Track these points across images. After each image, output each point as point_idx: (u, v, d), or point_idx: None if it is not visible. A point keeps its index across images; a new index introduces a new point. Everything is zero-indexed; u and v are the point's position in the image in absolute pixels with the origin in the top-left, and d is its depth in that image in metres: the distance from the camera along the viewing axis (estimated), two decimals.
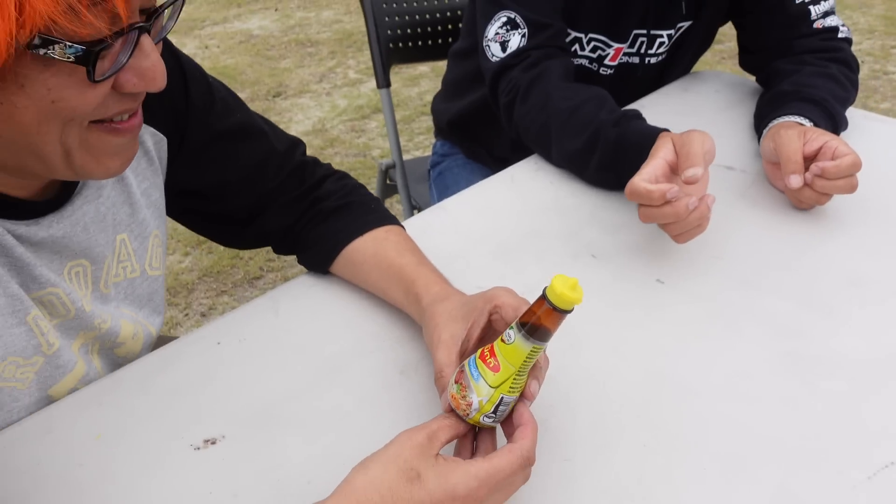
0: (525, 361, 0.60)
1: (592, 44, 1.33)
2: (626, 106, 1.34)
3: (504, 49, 1.21)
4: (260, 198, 0.92)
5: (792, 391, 0.76)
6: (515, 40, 1.20)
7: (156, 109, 0.80)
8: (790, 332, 0.84)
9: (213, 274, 2.39)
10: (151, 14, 0.60)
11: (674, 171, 0.95)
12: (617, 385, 0.77)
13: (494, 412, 0.61)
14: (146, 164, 0.83)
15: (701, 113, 1.33)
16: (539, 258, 0.96)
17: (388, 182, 1.90)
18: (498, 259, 0.96)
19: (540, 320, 0.58)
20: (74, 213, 0.74)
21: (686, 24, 1.35)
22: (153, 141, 0.83)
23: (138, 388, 0.77)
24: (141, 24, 0.58)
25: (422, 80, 3.66)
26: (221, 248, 2.45)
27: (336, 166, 0.99)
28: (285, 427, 0.72)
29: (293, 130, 3.27)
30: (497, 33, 1.22)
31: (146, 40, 0.60)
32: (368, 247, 0.88)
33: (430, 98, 3.46)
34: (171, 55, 0.83)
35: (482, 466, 0.58)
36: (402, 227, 0.93)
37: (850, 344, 0.82)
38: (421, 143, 3.12)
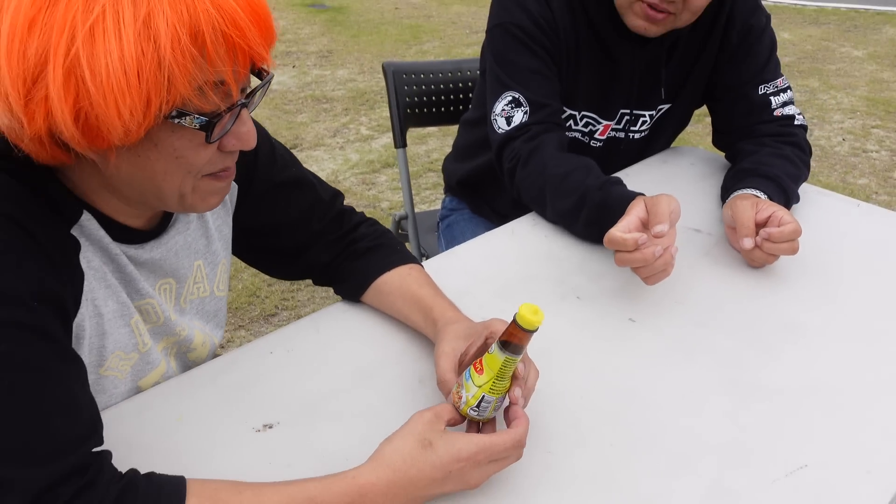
0: (502, 369, 0.79)
1: (585, 120, 1.55)
2: (612, 174, 1.56)
3: (509, 123, 1.43)
4: (307, 237, 1.12)
5: (730, 408, 0.96)
6: (518, 116, 1.42)
7: None
8: (732, 363, 1.03)
9: (231, 310, 2.58)
10: (250, 93, 0.81)
11: (646, 227, 1.15)
12: (592, 398, 0.96)
13: (478, 406, 0.81)
14: (220, 206, 1.04)
15: (677, 183, 1.54)
16: (533, 298, 1.16)
17: (399, 232, 2.11)
18: (498, 297, 1.16)
19: (511, 337, 0.78)
20: (168, 242, 0.94)
21: (665, 107, 1.58)
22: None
23: (209, 383, 0.96)
24: (244, 101, 0.79)
25: (429, 139, 3.91)
26: (240, 286, 2.65)
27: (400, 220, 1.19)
28: (326, 418, 0.91)
29: None
30: (503, 109, 1.44)
31: (245, 112, 0.81)
32: (395, 280, 1.09)
33: (436, 156, 3.70)
34: None
35: (483, 438, 0.78)
36: (422, 266, 1.14)
37: (779, 375, 1.02)
38: (427, 197, 3.35)
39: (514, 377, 0.83)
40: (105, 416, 0.80)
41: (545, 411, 0.93)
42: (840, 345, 1.08)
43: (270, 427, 0.89)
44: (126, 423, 0.89)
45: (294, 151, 3.76)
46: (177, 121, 0.73)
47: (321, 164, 3.66)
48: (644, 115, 1.57)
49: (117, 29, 0.65)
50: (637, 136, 1.60)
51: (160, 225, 0.93)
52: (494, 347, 0.79)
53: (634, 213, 1.15)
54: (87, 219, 0.83)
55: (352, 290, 1.13)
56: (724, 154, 1.61)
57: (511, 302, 1.14)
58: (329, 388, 0.96)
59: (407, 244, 2.08)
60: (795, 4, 7.10)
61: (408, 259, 1.13)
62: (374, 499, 0.76)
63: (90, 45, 0.65)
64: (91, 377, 0.87)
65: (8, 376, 0.68)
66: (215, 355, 1.09)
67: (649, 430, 0.92)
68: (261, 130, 1.08)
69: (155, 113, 0.70)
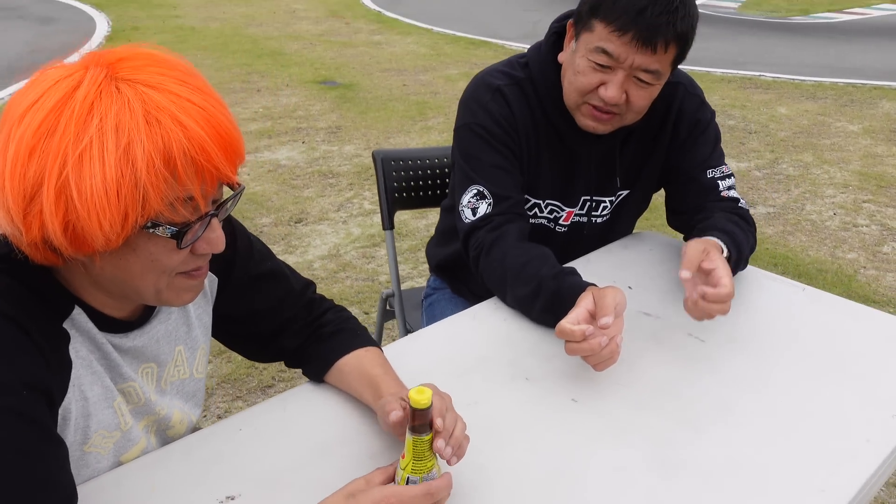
0: (415, 449, 0.91)
1: (550, 208, 1.68)
2: (578, 258, 1.68)
3: (474, 214, 1.56)
4: (279, 324, 1.24)
5: (656, 484, 1.05)
6: (483, 208, 1.55)
7: (212, 256, 1.14)
8: (663, 441, 1.13)
9: (230, 381, 2.69)
10: (220, 205, 0.94)
11: (594, 317, 1.26)
12: (528, 475, 1.06)
13: (407, 483, 0.92)
14: (201, 297, 1.16)
15: (634, 269, 1.65)
16: (485, 378, 1.27)
17: (387, 308, 2.23)
18: (454, 378, 1.27)
19: (412, 420, 0.90)
20: (151, 331, 1.06)
21: (624, 193, 1.71)
22: (208, 280, 1.16)
23: (183, 457, 1.07)
24: (213, 213, 0.92)
25: (430, 214, 4.05)
26: (239, 358, 2.76)
27: (346, 290, 1.33)
28: (286, 490, 1.01)
29: (310, 255, 3.64)
30: (469, 201, 1.57)
31: (215, 220, 0.94)
32: (352, 362, 1.20)
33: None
34: (226, 218, 1.18)
35: (396, 487, 0.90)
36: (380, 348, 1.25)
37: (705, 452, 1.11)
38: (424, 271, 3.47)
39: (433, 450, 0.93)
40: (87, 487, 0.91)
41: (482, 485, 1.03)
42: (766, 423, 1.17)
43: (233, 499, 1.00)
44: (106, 493, 1.00)
45: (298, 226, 3.95)
46: (151, 230, 0.86)
47: (324, 237, 3.80)
48: (604, 201, 1.70)
49: (101, 155, 0.79)
50: (599, 220, 1.73)
51: (143, 315, 1.05)
52: (406, 432, 0.91)
53: (583, 305, 1.26)
54: (77, 313, 0.95)
55: (316, 371, 1.24)
56: (681, 236, 1.73)
57: (464, 381, 1.25)
58: (290, 462, 1.06)
59: (394, 320, 2.20)
60: (794, 79, 7.30)
61: (366, 342, 1.24)
62: None
63: (78, 170, 0.79)
64: (75, 454, 0.98)
65: (5, 457, 0.80)
66: (195, 429, 1.20)
67: (576, 501, 1.01)
68: (240, 227, 1.21)
69: (132, 225, 0.83)
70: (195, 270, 0.97)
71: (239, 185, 0.95)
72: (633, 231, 1.87)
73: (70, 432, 0.97)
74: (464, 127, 1.61)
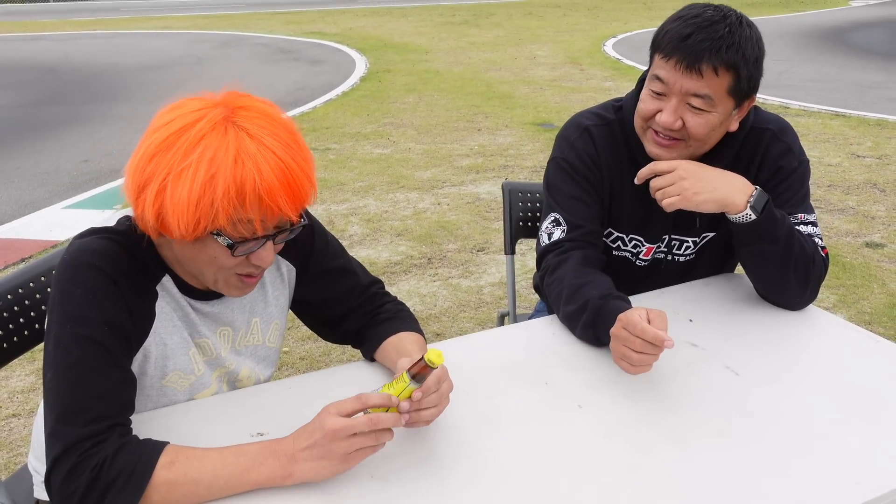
0: (402, 391, 1.13)
1: (633, 242, 1.79)
2: (654, 289, 1.77)
3: (549, 238, 1.71)
4: (344, 311, 1.49)
5: (634, 494, 1.15)
6: (557, 234, 1.70)
7: (292, 250, 1.42)
8: (643, 449, 1.22)
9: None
10: (279, 232, 1.19)
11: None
12: (518, 457, 1.21)
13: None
14: (279, 282, 1.44)
15: (704, 303, 1.70)
16: (509, 376, 1.42)
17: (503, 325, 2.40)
18: (483, 370, 1.44)
19: (419, 368, 1.12)
20: (227, 301, 1.35)
21: (710, 235, 1.77)
22: (286, 269, 1.44)
23: (239, 401, 1.35)
24: (269, 235, 1.18)
25: None
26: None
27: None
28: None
29: (482, 281, 3.90)
30: (547, 227, 1.73)
31: (269, 243, 1.19)
32: (394, 341, 1.42)
33: None
34: (308, 218, 1.45)
35: (341, 418, 1.10)
36: (423, 335, 1.46)
37: (692, 467, 1.19)
38: None
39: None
40: (160, 411, 1.21)
41: (476, 459, 1.20)
42: (767, 454, 1.22)
43: (262, 435, 1.25)
44: (175, 416, 1.30)
45: (480, 254, 4.25)
46: (215, 236, 1.15)
47: (500, 266, 4.04)
48: (687, 241, 1.77)
49: (193, 177, 1.08)
50: (682, 258, 1.80)
51: None
52: (406, 375, 1.13)
53: (639, 310, 1.37)
54: (167, 279, 1.27)
55: (368, 349, 1.47)
56: None
57: (490, 376, 1.42)
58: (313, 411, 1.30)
59: None
60: None
61: (412, 328, 1.46)
62: (278, 450, 1.12)
63: (175, 182, 1.09)
64: (155, 385, 1.31)
65: (76, 369, 1.13)
66: None
67: (559, 480, 1.15)
68: (319, 228, 1.48)
69: (202, 229, 1.12)
70: (247, 276, 1.25)
71: (297, 222, 1.20)
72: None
73: (150, 367, 1.29)
74: (552, 161, 1.78)
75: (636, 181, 1.58)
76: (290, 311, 1.51)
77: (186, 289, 1.30)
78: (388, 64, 11.36)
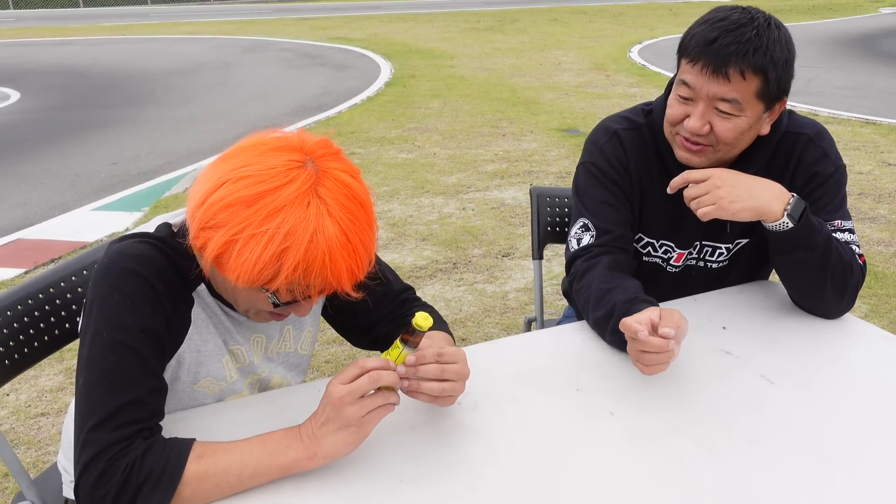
0: (398, 357, 1.16)
1: (664, 248, 1.76)
2: (689, 296, 1.75)
3: (578, 244, 1.70)
4: (375, 318, 1.47)
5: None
6: (586, 239, 1.68)
7: None
8: (680, 461, 1.20)
9: None
10: (310, 296, 1.15)
11: (655, 329, 1.33)
12: (546, 463, 1.19)
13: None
14: None
15: (738, 310, 1.68)
16: (540, 381, 1.41)
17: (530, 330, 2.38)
18: (512, 378, 1.42)
19: (409, 334, 1.15)
20: None
21: (743, 241, 1.74)
22: None
23: (269, 401, 1.34)
24: (304, 298, 1.16)
25: None
26: None
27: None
28: None
29: (508, 286, 3.88)
30: (576, 232, 1.71)
31: (306, 301, 1.18)
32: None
33: None
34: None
35: (341, 385, 1.12)
36: (451, 335, 1.45)
37: (721, 477, 1.16)
38: None
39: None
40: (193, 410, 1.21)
41: (506, 465, 1.18)
42: (794, 466, 1.19)
43: None
44: (204, 416, 1.30)
45: (505, 259, 4.23)
46: (265, 292, 1.14)
47: (524, 272, 4.02)
48: (720, 248, 1.75)
49: (266, 244, 1.06)
50: (714, 265, 1.77)
51: None
52: (399, 341, 1.16)
53: (648, 313, 1.36)
54: (202, 289, 1.27)
55: None
56: None
57: (519, 382, 1.40)
58: None
59: None
60: None
61: (440, 328, 1.44)
62: (300, 433, 1.13)
63: (247, 241, 1.06)
64: (187, 389, 1.31)
65: (110, 376, 1.13)
66: None
67: (580, 486, 1.13)
68: None
69: (256, 286, 1.11)
70: (279, 315, 1.25)
71: (352, 296, 1.18)
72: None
73: (183, 373, 1.29)
74: (581, 166, 1.77)
75: (669, 191, 1.55)
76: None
77: (221, 298, 1.30)
78: (413, 69, 11.39)
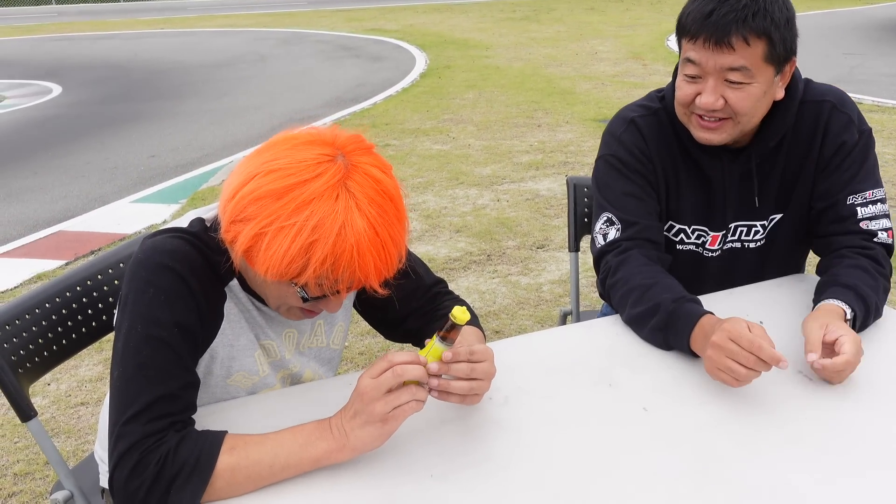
0: (432, 354, 1.14)
1: (697, 233, 1.73)
2: (731, 288, 1.72)
3: (605, 239, 1.67)
4: (406, 312, 1.47)
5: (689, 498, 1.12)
6: (612, 233, 1.66)
7: None
8: (709, 457, 1.18)
9: None
10: (339, 291, 1.16)
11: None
12: (577, 458, 1.18)
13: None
14: None
15: (776, 305, 1.64)
16: (572, 375, 1.39)
17: (566, 324, 2.37)
18: (544, 373, 1.41)
19: (446, 330, 1.12)
20: None
21: (777, 217, 1.71)
22: None
23: (300, 394, 1.35)
24: (333, 293, 1.15)
25: None
26: None
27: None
28: None
29: (542, 278, 3.86)
30: (600, 228, 1.69)
31: (335, 297, 1.18)
32: None
33: None
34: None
35: (369, 379, 1.11)
36: (482, 330, 1.43)
37: (754, 475, 1.14)
38: None
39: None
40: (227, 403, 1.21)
41: (552, 464, 1.17)
42: (827, 467, 1.16)
43: None
44: (238, 408, 1.30)
45: (540, 251, 4.21)
46: (294, 286, 1.15)
47: (560, 264, 3.99)
48: (756, 226, 1.71)
49: (294, 237, 1.06)
50: (753, 245, 1.74)
51: None
52: (436, 338, 1.15)
53: (740, 322, 1.32)
54: (234, 284, 1.27)
55: None
56: None
57: (551, 378, 1.39)
58: None
59: None
60: None
61: (473, 323, 1.42)
62: (330, 425, 1.13)
63: (276, 234, 1.06)
64: (220, 384, 1.32)
65: (144, 371, 1.14)
66: None
67: (610, 482, 1.12)
68: None
69: (284, 280, 1.11)
70: (309, 311, 1.25)
71: (380, 293, 1.18)
72: (804, 268, 1.83)
73: (216, 367, 1.30)
74: (600, 159, 1.74)
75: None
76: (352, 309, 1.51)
77: (254, 293, 1.30)
78: (448, 60, 11.36)
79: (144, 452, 1.08)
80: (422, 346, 1.47)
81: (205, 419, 1.27)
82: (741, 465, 1.16)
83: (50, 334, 1.51)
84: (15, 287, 3.99)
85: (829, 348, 1.35)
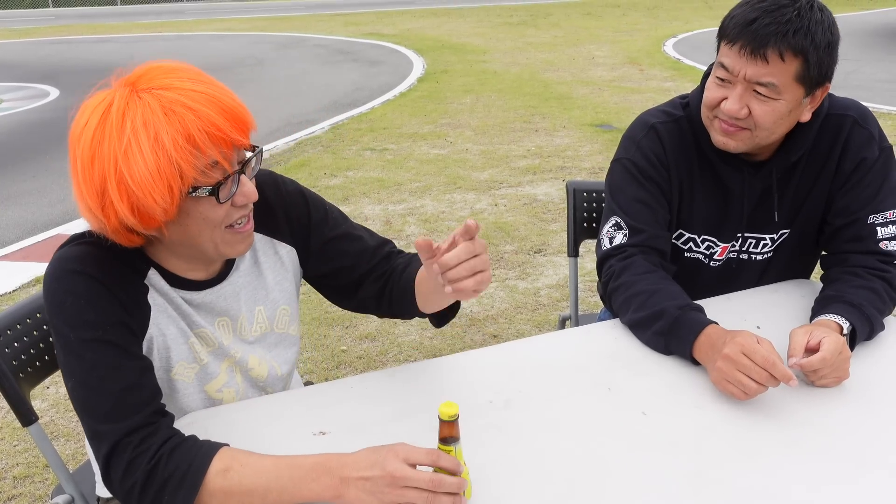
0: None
1: (706, 243, 1.74)
2: (729, 293, 1.73)
3: (611, 243, 1.68)
4: (359, 276, 1.44)
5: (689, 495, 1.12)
6: (619, 238, 1.67)
7: (288, 230, 1.40)
8: (706, 462, 1.19)
9: None
10: (244, 164, 1.18)
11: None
12: (572, 461, 1.19)
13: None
14: (279, 266, 1.42)
15: (773, 310, 1.65)
16: (571, 379, 1.40)
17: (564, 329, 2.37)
18: (543, 376, 1.42)
19: (440, 431, 1.06)
20: (219, 291, 1.33)
21: (787, 231, 1.72)
22: (285, 252, 1.42)
23: (295, 401, 1.35)
24: (238, 171, 1.16)
25: None
26: None
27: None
28: (368, 435, 1.25)
29: (540, 283, 3.87)
30: (608, 231, 1.70)
31: (243, 177, 1.18)
32: (423, 274, 1.33)
33: None
34: (298, 192, 1.42)
35: (407, 468, 1.04)
36: None
37: (749, 481, 1.15)
38: None
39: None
40: (214, 410, 1.22)
41: (552, 467, 1.18)
42: (824, 470, 1.17)
43: (324, 434, 1.25)
44: (228, 417, 1.31)
45: (537, 256, 4.22)
46: (194, 194, 1.14)
47: (557, 269, 4.00)
48: (765, 239, 1.72)
49: (139, 148, 1.07)
50: (759, 257, 1.75)
51: (215, 279, 1.34)
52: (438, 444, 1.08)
53: (750, 336, 1.33)
54: (153, 273, 1.26)
55: (408, 308, 1.39)
56: None
57: (550, 381, 1.40)
58: (378, 416, 1.30)
59: None
60: None
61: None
62: (333, 469, 1.08)
63: (127, 163, 1.08)
64: (164, 378, 1.30)
65: (95, 371, 1.14)
66: (306, 383, 1.48)
67: (610, 481, 1.13)
68: (314, 200, 1.45)
69: (178, 194, 1.11)
70: (239, 224, 1.23)
71: (255, 147, 1.20)
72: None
73: (156, 359, 1.28)
74: (616, 162, 1.75)
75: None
76: (308, 285, 1.50)
77: (175, 281, 1.29)
78: (446, 64, 11.38)
79: (136, 450, 1.10)
80: (381, 312, 1.44)
81: (203, 424, 1.28)
82: (739, 469, 1.17)
83: (51, 338, 1.51)
84: (13, 290, 3.99)
85: (813, 352, 1.36)
